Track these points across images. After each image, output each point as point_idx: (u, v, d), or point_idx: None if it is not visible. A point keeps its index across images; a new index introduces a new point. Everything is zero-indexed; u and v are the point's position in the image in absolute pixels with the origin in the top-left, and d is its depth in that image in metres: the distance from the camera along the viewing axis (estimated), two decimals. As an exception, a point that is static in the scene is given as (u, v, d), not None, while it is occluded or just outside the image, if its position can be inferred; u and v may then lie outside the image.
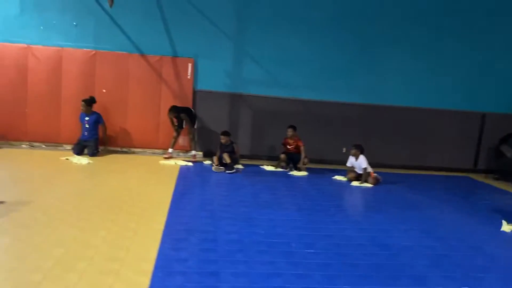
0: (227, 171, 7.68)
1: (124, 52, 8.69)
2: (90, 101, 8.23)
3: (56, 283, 3.20)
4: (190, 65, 8.88)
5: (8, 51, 8.40)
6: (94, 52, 8.61)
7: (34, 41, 8.45)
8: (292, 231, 4.77)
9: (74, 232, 4.22)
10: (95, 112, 8.34)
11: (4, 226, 4.23)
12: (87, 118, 8.26)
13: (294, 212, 5.53)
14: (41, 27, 8.45)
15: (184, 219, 4.90)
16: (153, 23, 8.71)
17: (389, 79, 9.42)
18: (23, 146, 8.58)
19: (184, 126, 8.68)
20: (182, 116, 8.49)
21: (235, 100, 9.10)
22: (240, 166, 8.00)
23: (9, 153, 7.92)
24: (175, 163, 8.15)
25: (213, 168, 7.79)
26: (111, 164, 7.64)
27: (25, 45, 8.43)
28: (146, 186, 6.33)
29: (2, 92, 8.46)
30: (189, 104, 8.91)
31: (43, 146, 8.69)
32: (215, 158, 8.00)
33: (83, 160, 7.62)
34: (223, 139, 8.01)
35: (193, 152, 8.76)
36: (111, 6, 7.86)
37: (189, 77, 8.92)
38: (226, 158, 7.79)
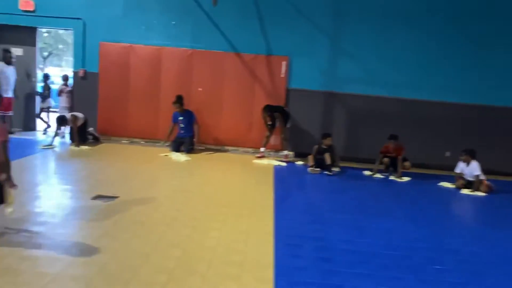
0: (326, 173, 7.40)
1: (220, 51, 8.73)
2: (181, 100, 8.33)
3: (181, 285, 3.14)
4: (284, 63, 8.71)
5: (112, 50, 8.79)
6: (191, 51, 8.74)
7: (136, 41, 8.77)
8: (411, 243, 4.38)
9: (188, 231, 4.19)
10: (188, 110, 8.45)
11: (123, 222, 4.31)
12: (181, 118, 8.36)
13: (408, 222, 5.11)
14: (143, 27, 8.74)
15: (292, 223, 4.71)
16: (249, 22, 8.66)
17: (502, 78, 8.54)
18: (123, 141, 8.95)
19: (276, 126, 8.52)
20: (276, 115, 8.34)
21: (330, 99, 8.78)
22: (336, 169, 7.67)
23: (112, 148, 8.28)
24: (269, 162, 8.03)
25: (308, 169, 7.54)
26: (207, 162, 7.70)
27: (128, 44, 8.77)
28: (246, 185, 6.25)
29: (106, 89, 8.88)
30: (282, 103, 8.74)
31: (142, 142, 9.00)
32: (310, 159, 7.73)
33: (182, 157, 7.74)
34: (328, 141, 7.71)
35: (285, 152, 8.59)
36: (214, 4, 7.89)
37: (282, 75, 8.75)
38: (327, 158, 7.48)
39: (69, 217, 4.33)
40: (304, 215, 5.07)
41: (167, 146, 8.50)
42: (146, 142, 8.98)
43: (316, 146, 7.78)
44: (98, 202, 4.86)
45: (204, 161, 7.77)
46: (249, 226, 4.50)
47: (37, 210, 4.45)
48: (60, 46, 29.41)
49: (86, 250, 3.57)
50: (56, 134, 8.15)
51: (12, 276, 3.08)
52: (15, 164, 5.87)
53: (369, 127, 8.68)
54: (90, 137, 8.53)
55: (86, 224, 4.17)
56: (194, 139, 8.50)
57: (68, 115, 8.09)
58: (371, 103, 8.65)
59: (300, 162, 8.24)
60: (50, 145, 7.84)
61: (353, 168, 8.21)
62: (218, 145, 8.99)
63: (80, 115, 8.21)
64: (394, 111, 8.62)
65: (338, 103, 8.78)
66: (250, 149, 8.94)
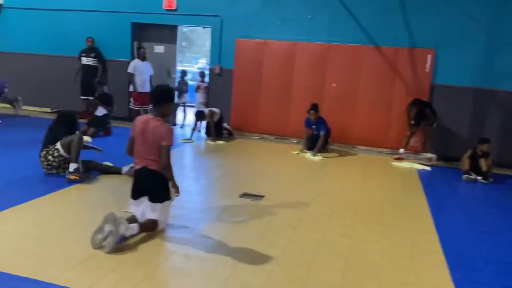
0: (481, 181, 6.51)
1: (358, 45, 8.23)
2: (316, 109, 7.75)
3: (355, 305, 2.81)
4: (429, 56, 7.90)
5: (248, 46, 8.83)
6: (326, 45, 8.39)
7: (270, 36, 8.68)
8: None
9: (344, 241, 3.85)
10: (320, 120, 7.76)
11: (275, 224, 4.13)
12: (314, 126, 7.80)
13: None
14: (278, 22, 8.62)
15: (460, 240, 4.11)
16: (390, 12, 8.03)
17: None
18: (254, 137, 8.97)
19: (420, 125, 7.74)
20: (427, 111, 7.56)
21: (483, 96, 7.75)
22: (491, 178, 6.67)
23: (245, 144, 8.32)
24: (410, 165, 7.35)
25: (464, 176, 6.65)
26: (342, 162, 7.30)
27: (262, 40, 8.72)
28: (391, 191, 5.72)
29: (240, 86, 8.96)
30: (425, 100, 7.96)
31: (272, 138, 8.92)
32: (465, 163, 6.79)
33: (316, 156, 7.44)
34: (485, 147, 6.78)
35: (428, 155, 7.79)
36: None
37: (427, 69, 7.96)
38: (483, 165, 6.60)
39: (222, 215, 4.29)
40: (471, 231, 4.41)
41: (297, 143, 8.30)
42: (275, 138, 8.89)
43: (470, 151, 6.88)
44: (246, 200, 4.78)
45: (338, 161, 7.38)
46: (411, 240, 4.01)
47: (190, 205, 4.49)
48: (183, 43, 31.10)
49: (247, 255, 3.43)
50: (194, 129, 8.43)
51: (181, 276, 3.04)
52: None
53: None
54: (225, 132, 8.69)
55: (240, 225, 4.07)
56: (329, 139, 8.08)
57: (206, 110, 8.32)
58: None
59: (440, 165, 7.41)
60: (189, 139, 8.14)
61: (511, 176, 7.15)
62: (350, 144, 8.53)
63: (217, 110, 8.39)
64: None
65: (493, 102, 7.72)
66: (385, 150, 8.32)
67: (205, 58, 30.33)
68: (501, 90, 7.64)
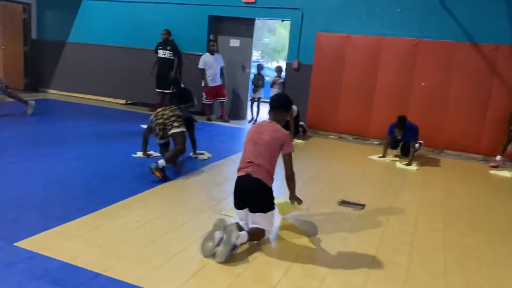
0: None
1: (452, 41, 7.59)
2: (404, 122, 6.62)
3: None
4: (536, 55, 7.14)
5: (329, 41, 8.41)
6: (416, 41, 7.79)
7: (354, 30, 8.21)
8: None
9: (474, 264, 3.40)
10: (408, 129, 6.68)
11: (388, 238, 3.75)
12: (399, 137, 6.90)
13: None
14: (364, 16, 8.13)
15: None
16: (490, 4, 7.31)
17: None
18: (331, 136, 8.57)
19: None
20: None
21: None
22: None
23: (323, 143, 7.95)
24: (511, 174, 6.67)
25: None
26: (435, 168, 6.73)
27: (345, 35, 8.27)
28: (502, 204, 5.15)
29: (319, 82, 8.58)
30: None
31: (350, 138, 8.49)
32: None
33: (411, 166, 6.57)
34: None
35: (528, 164, 7.07)
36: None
37: (532, 70, 7.19)
38: None
39: (326, 225, 3.95)
40: None
41: (379, 144, 7.81)
42: (354, 138, 8.45)
43: None
44: (346, 209, 4.43)
45: (431, 167, 6.83)
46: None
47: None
48: (265, 39, 30.54)
49: (373, 277, 3.09)
50: None
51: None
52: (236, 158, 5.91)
53: None
54: (300, 129, 8.35)
55: (350, 238, 3.72)
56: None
57: None
58: None
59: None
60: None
61: None
62: (438, 148, 7.92)
63: (294, 107, 8.04)
64: None
65: None
66: (476, 156, 7.65)
67: (259, 52, 29.89)
68: None
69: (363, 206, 4.53)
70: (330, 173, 5.88)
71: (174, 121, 5.13)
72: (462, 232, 4.08)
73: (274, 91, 9.06)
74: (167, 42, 9.36)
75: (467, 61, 7.54)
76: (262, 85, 9.40)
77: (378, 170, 6.30)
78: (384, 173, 6.14)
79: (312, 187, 5.15)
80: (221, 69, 8.98)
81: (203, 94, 9.04)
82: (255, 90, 9.33)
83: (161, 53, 9.36)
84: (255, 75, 9.54)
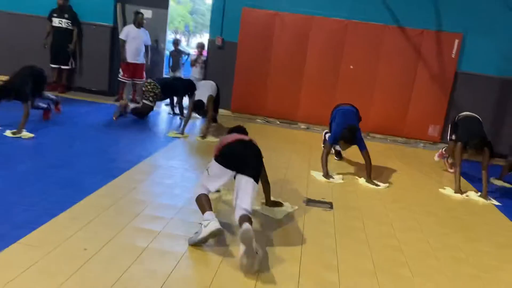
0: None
1: (380, 24, 7.51)
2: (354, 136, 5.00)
3: None
4: (456, 41, 7.38)
5: (256, 17, 7.79)
6: (346, 22, 7.57)
7: (283, 8, 7.71)
8: None
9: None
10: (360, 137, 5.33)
11: (375, 245, 3.34)
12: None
13: None
14: (293, -8, 7.65)
15: None
16: (418, -10, 7.36)
17: None
18: (258, 120, 8.05)
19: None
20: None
21: (506, 87, 7.39)
22: None
23: (257, 130, 7.37)
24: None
25: None
26: (377, 154, 6.61)
27: (273, 12, 7.72)
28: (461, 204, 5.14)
29: (245, 61, 7.94)
30: (448, 88, 7.49)
31: (278, 122, 8.06)
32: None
33: (376, 185, 4.94)
34: None
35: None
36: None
37: (453, 55, 7.44)
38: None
39: (308, 233, 3.40)
40: None
41: (306, 128, 7.50)
42: (281, 122, 8.04)
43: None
44: (315, 209, 3.94)
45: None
46: None
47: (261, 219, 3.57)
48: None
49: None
50: (188, 119, 6.20)
51: None
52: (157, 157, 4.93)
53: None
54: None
55: (340, 244, 3.23)
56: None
57: (206, 95, 6.16)
58: None
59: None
60: (181, 133, 6.02)
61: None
62: (364, 132, 7.88)
63: (212, 84, 6.47)
64: None
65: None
66: (400, 139, 7.80)
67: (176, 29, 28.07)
68: (527, 81, 7.31)
69: (330, 204, 4.09)
70: (279, 165, 5.33)
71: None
72: (446, 236, 3.87)
73: (196, 70, 8.22)
74: (64, 9, 7.86)
75: (394, 45, 7.54)
76: (181, 64, 8.45)
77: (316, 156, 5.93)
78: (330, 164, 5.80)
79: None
80: (146, 47, 7.83)
81: (120, 70, 7.83)
82: (173, 69, 8.36)
83: (56, 22, 7.84)
84: (171, 52, 8.54)
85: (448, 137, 5.79)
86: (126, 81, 7.83)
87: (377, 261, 3.05)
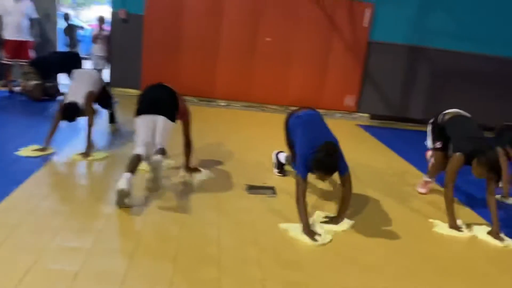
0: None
1: (295, -8, 7.29)
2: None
3: None
4: (368, 11, 7.45)
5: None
6: (260, -10, 7.23)
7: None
8: None
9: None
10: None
11: (339, 253, 3.14)
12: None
13: None
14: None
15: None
16: (329, -43, 7.23)
17: None
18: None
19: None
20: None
21: (414, 54, 7.70)
22: None
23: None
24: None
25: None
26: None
27: (182, -20, 7.08)
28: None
29: (153, 36, 7.23)
30: (361, 58, 7.60)
31: (195, 100, 7.57)
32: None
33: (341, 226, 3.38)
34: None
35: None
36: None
37: (365, 25, 7.52)
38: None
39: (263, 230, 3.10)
40: None
41: (226, 105, 7.16)
42: (200, 101, 7.56)
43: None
44: (259, 197, 3.64)
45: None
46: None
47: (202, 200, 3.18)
48: None
49: None
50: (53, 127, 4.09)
51: None
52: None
53: (459, 89, 7.69)
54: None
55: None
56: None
57: (82, 93, 4.15)
58: (463, 60, 7.66)
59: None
60: (42, 149, 4.02)
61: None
62: (284, 105, 7.75)
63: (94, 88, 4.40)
64: (491, 71, 7.66)
65: (423, 60, 7.74)
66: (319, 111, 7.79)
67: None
68: (430, 47, 7.65)
69: (272, 189, 3.82)
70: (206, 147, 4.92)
71: None
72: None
73: (98, 47, 7.33)
74: None
75: (310, 15, 7.39)
76: (76, 41, 7.46)
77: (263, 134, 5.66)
78: (271, 137, 5.54)
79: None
80: (31, 20, 6.67)
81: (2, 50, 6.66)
82: (71, 47, 7.36)
83: None
84: (64, 28, 7.50)
85: (430, 144, 4.07)
86: (9, 62, 6.68)
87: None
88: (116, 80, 7.33)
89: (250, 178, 4.01)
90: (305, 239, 2.90)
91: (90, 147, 4.07)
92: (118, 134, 5.00)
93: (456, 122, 3.75)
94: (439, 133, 3.89)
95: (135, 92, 7.18)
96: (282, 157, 4.14)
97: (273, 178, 4.13)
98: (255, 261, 2.60)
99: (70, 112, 4.00)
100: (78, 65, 6.11)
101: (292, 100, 7.68)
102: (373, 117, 7.86)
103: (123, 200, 3.00)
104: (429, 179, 4.15)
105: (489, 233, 3.29)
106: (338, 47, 7.56)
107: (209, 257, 2.57)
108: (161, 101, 3.50)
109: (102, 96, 4.58)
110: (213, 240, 2.79)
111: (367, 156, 5.33)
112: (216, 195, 3.54)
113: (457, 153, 3.37)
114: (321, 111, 7.19)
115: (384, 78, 7.77)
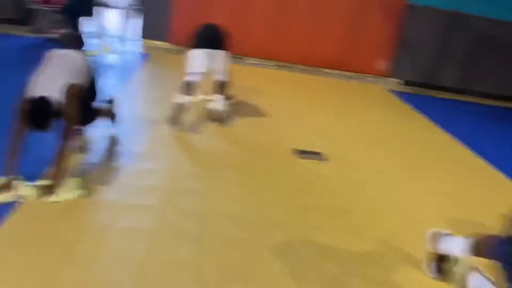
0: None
1: None
2: None
3: None
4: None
5: None
6: None
7: None
8: None
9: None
10: None
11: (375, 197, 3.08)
12: None
13: None
14: None
15: None
16: None
17: None
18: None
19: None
20: None
21: (454, 20, 7.33)
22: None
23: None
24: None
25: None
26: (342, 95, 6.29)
27: None
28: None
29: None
30: (398, 21, 7.28)
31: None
32: None
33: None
34: None
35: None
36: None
37: (403, -15, 7.15)
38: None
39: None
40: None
41: (258, 64, 6.92)
42: (258, 63, 7.29)
43: None
44: (310, 162, 3.58)
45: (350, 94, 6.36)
46: None
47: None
48: None
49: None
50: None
51: None
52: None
53: (495, 58, 7.41)
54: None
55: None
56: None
57: (57, 85, 2.47)
58: (502, 29, 7.31)
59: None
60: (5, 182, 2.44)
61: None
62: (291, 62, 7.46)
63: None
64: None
65: (463, 26, 7.37)
66: (347, 73, 7.58)
67: None
68: (473, 15, 7.29)
69: (319, 154, 3.75)
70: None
71: None
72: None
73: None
74: None
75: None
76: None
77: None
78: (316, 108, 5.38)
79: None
80: None
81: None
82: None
83: None
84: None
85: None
86: (41, 7, 6.41)
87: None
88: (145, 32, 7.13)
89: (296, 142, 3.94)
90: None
91: (58, 177, 2.45)
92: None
93: None
94: None
95: (164, 45, 7.02)
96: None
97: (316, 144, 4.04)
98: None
99: (39, 113, 2.33)
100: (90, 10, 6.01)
101: (323, 61, 7.47)
102: (407, 83, 7.62)
103: (178, 116, 3.70)
104: None
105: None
106: (374, 8, 7.23)
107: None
108: (219, 37, 4.00)
109: (86, 97, 2.72)
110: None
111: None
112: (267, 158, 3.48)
113: None
114: (351, 74, 7.03)
115: (420, 43, 7.47)
